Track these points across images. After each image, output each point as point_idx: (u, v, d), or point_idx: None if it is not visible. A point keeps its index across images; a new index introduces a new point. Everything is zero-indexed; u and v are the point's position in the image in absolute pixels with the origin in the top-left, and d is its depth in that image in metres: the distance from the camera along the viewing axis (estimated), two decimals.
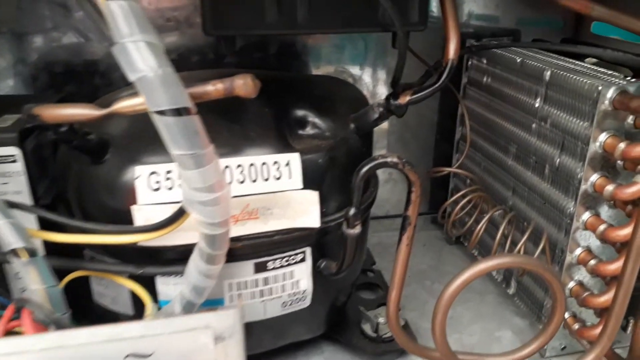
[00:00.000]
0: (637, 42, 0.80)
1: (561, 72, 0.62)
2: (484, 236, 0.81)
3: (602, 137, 0.57)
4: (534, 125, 0.68)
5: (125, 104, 0.38)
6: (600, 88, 0.56)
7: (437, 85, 0.51)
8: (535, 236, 0.69)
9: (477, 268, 0.48)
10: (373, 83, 0.89)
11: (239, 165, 0.50)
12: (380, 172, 1.01)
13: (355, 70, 0.87)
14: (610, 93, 0.55)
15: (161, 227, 0.44)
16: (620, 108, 0.55)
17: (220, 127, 0.51)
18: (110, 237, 0.46)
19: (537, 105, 0.67)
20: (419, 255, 0.93)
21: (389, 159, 0.50)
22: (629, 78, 0.58)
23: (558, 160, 0.64)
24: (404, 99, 0.53)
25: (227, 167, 0.49)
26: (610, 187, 0.56)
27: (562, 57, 0.69)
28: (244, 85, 0.39)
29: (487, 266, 0.49)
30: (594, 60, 0.69)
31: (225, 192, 0.38)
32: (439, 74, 0.51)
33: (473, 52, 0.82)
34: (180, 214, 0.42)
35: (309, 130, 0.55)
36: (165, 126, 0.33)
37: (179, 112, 0.32)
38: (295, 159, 0.52)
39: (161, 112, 0.32)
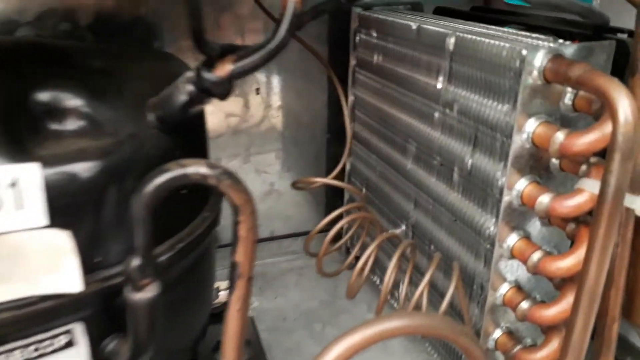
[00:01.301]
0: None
1: (470, 37, 0.44)
2: (381, 257, 0.62)
3: (530, 124, 0.39)
4: (436, 115, 0.50)
5: None
6: (524, 53, 0.38)
7: (271, 44, 0.31)
8: (447, 264, 0.50)
9: (340, 347, 0.28)
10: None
11: None
12: (259, 182, 0.83)
13: None
14: (540, 59, 0.37)
15: None
16: (555, 80, 0.37)
17: None
18: None
19: (439, 85, 0.49)
20: (310, 287, 0.74)
21: (190, 170, 0.29)
22: (562, 41, 0.40)
23: (470, 160, 0.45)
24: (223, 69, 0.32)
25: None
26: (544, 198, 0.38)
27: (472, 23, 0.51)
28: None
29: (359, 341, 0.29)
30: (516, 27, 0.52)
31: None
32: (274, 29, 0.31)
33: (361, 24, 0.63)
34: None
35: (69, 124, 0.33)
36: None
37: None
38: (30, 174, 0.29)
39: None
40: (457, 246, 0.49)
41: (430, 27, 0.49)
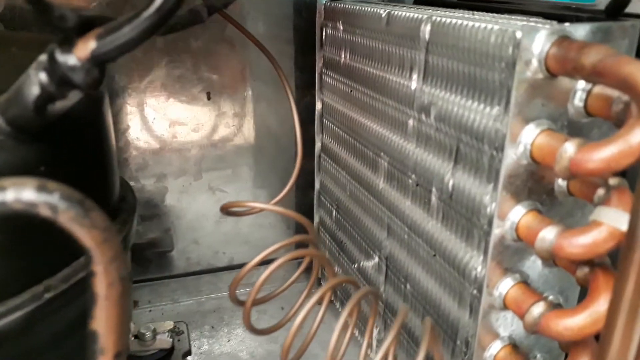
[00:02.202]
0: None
1: (449, 21, 0.34)
2: (353, 292, 0.52)
3: (529, 133, 0.29)
4: (411, 122, 0.40)
5: None
6: (519, 35, 0.28)
7: (148, 11, 0.21)
8: (427, 308, 0.40)
9: None
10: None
11: None
12: (213, 202, 0.70)
13: None
14: (541, 42, 0.27)
15: None
16: (562, 71, 0.27)
17: None
18: None
19: (413, 85, 0.39)
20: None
21: (9, 196, 0.19)
22: (568, 24, 0.30)
23: (451, 180, 0.35)
24: (84, 48, 0.22)
25: None
26: (548, 233, 0.28)
27: (456, 10, 0.41)
28: None
29: None
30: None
31: None
32: None
33: (327, 17, 0.53)
34: None
35: None
36: None
37: None
38: None
39: None
40: (437, 288, 0.39)
41: (402, 13, 0.39)
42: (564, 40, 0.27)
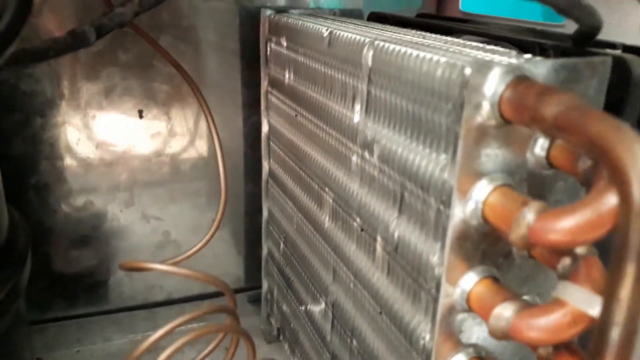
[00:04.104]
0: (520, 19, 0.51)
1: (392, 47, 0.29)
2: (301, 335, 0.47)
3: (480, 189, 0.24)
4: (354, 158, 0.35)
5: None
6: (467, 72, 0.23)
7: None
8: None
9: None
10: None
11: None
12: (148, 231, 0.59)
13: None
14: (494, 82, 0.22)
15: None
16: (518, 119, 0.22)
17: None
18: None
19: (355, 118, 0.34)
20: None
21: None
22: (528, 55, 0.26)
23: (396, 231, 0.30)
24: None
25: None
26: (504, 311, 0.23)
27: (409, 31, 0.36)
28: None
29: None
30: (471, 38, 0.37)
31: None
32: None
33: (271, 31, 0.48)
34: None
35: None
36: None
37: None
38: None
39: None
40: (383, 349, 0.34)
41: (345, 34, 0.34)
42: (521, 81, 0.22)
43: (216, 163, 0.58)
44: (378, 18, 0.47)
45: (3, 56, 0.17)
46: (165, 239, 0.58)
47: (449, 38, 0.32)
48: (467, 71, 0.23)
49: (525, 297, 0.27)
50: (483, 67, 0.22)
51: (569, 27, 0.46)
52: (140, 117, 0.52)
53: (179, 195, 0.57)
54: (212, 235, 0.46)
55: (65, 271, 0.56)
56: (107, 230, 0.56)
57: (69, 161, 0.52)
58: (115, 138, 0.53)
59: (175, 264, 0.37)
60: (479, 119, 0.23)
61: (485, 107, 0.23)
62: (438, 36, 0.33)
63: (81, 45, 0.24)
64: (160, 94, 0.53)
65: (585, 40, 0.28)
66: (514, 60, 0.23)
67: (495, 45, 0.30)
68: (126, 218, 0.56)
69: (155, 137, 0.54)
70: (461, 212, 0.25)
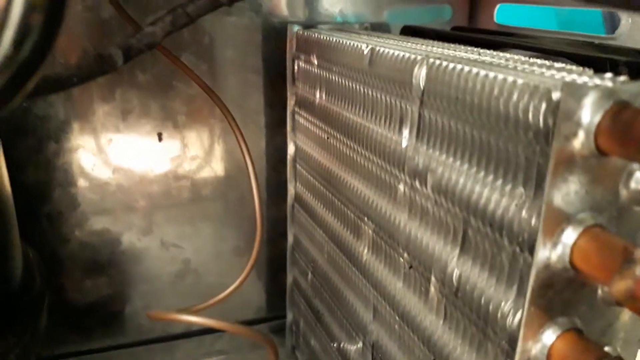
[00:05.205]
0: (564, 31, 0.47)
1: (452, 65, 0.26)
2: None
3: (570, 231, 0.21)
4: (401, 187, 0.31)
5: None
6: (556, 96, 0.20)
7: None
8: None
9: None
10: None
11: None
12: (167, 259, 0.54)
13: None
14: (589, 107, 0.19)
15: None
16: (620, 153, 0.19)
17: None
18: None
19: (404, 143, 0.30)
20: None
21: None
22: (609, 74, 0.22)
23: (456, 271, 0.27)
24: None
25: None
26: None
27: (455, 45, 0.33)
28: None
29: None
30: (523, 53, 0.34)
31: None
32: None
33: (299, 48, 0.45)
34: None
35: None
36: None
37: None
38: None
39: None
40: None
41: (390, 51, 0.31)
42: (622, 107, 0.19)
43: (238, 187, 0.55)
44: (413, 32, 0.44)
45: (25, 88, 0.14)
46: (185, 268, 0.55)
47: (508, 55, 0.29)
48: (556, 95, 0.20)
49: (607, 348, 0.23)
50: (576, 91, 0.19)
51: (621, 39, 0.43)
52: (160, 140, 0.49)
53: (198, 221, 0.54)
54: (246, 277, 0.43)
55: (80, 303, 0.53)
56: (123, 259, 0.52)
57: (83, 188, 0.49)
58: (133, 162, 0.50)
59: (206, 307, 0.34)
60: (570, 151, 0.20)
61: (580, 137, 0.19)
62: (495, 52, 0.29)
63: (108, 71, 0.22)
64: (181, 115, 0.50)
65: None
66: (607, 83, 0.20)
67: (554, 61, 0.26)
68: (144, 246, 0.53)
69: (174, 160, 0.51)
70: (545, 257, 0.21)
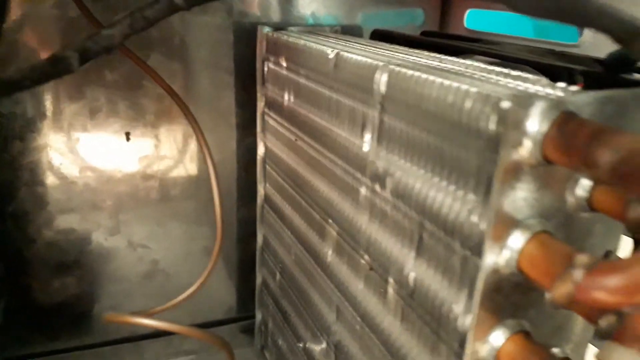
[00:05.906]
0: (530, 37, 0.49)
1: (411, 73, 0.26)
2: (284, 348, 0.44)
3: (517, 237, 0.21)
4: (362, 190, 0.32)
5: None
6: (505, 106, 0.20)
7: None
8: None
9: None
10: None
11: None
12: (134, 260, 0.51)
13: None
14: (538, 118, 0.20)
15: None
16: (564, 162, 0.20)
17: None
18: None
19: (365, 147, 0.31)
20: None
21: None
22: (562, 84, 0.23)
23: (412, 274, 0.28)
24: None
25: None
26: None
27: (420, 52, 0.34)
28: None
29: None
30: (485, 60, 0.35)
31: None
32: None
33: (269, 49, 0.45)
34: None
35: None
36: None
37: None
38: None
39: None
40: None
41: (354, 56, 0.31)
42: (568, 118, 0.19)
43: (209, 188, 0.55)
44: (382, 36, 0.45)
45: None
46: (153, 268, 0.55)
47: (469, 62, 0.29)
48: (505, 105, 0.20)
49: (554, 350, 0.24)
50: (524, 101, 0.20)
51: (584, 47, 0.44)
52: (128, 139, 0.49)
53: (167, 221, 0.54)
54: (205, 279, 0.43)
55: (46, 303, 0.52)
56: (91, 259, 0.52)
57: (50, 187, 0.48)
58: (101, 162, 0.49)
59: (165, 310, 0.34)
60: (518, 159, 0.20)
61: (526, 146, 0.20)
62: (456, 59, 0.30)
63: (63, 73, 0.22)
64: (149, 115, 0.49)
65: (621, 66, 0.26)
66: (558, 92, 0.21)
67: (514, 69, 0.27)
68: (111, 246, 0.52)
69: (143, 160, 0.51)
70: (493, 261, 0.22)
